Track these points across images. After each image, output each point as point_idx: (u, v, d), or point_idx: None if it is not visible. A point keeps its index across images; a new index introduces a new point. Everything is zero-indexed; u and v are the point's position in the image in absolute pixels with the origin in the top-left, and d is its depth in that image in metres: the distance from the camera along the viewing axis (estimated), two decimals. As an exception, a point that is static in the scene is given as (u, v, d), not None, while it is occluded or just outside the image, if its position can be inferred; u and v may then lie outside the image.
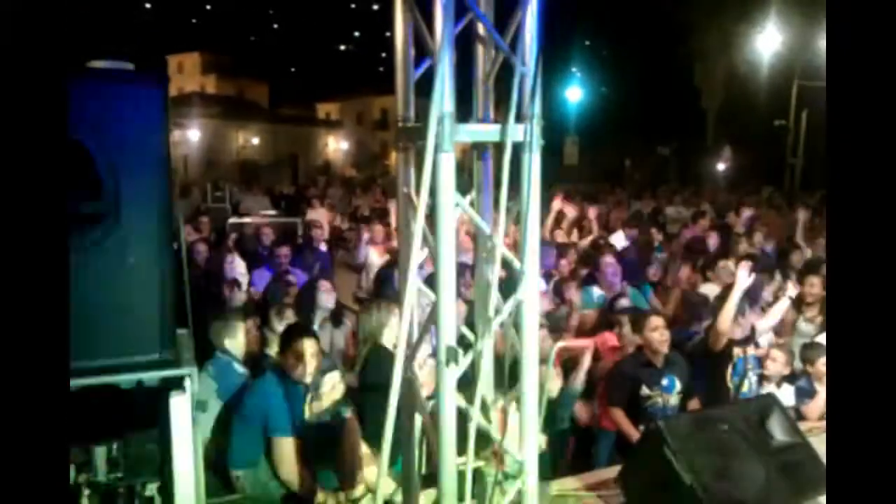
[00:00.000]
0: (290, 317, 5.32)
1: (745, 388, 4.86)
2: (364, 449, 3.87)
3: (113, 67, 2.08)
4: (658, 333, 4.57)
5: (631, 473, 2.96)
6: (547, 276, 6.92)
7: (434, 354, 2.48)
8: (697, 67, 32.19)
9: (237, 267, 7.56)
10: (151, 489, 2.11)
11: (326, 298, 5.59)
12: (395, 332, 4.25)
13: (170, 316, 2.08)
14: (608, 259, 6.40)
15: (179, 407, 2.00)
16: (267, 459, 3.76)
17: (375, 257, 8.01)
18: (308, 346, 3.93)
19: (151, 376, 2.00)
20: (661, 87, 32.73)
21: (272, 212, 12.86)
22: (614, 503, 3.12)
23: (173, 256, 2.15)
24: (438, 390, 2.31)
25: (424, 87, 2.27)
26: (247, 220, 10.49)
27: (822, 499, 2.75)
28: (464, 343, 2.53)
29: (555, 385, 4.61)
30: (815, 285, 6.02)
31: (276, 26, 62.15)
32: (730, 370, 4.87)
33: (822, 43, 22.93)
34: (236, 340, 4.38)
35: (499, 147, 2.44)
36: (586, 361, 4.92)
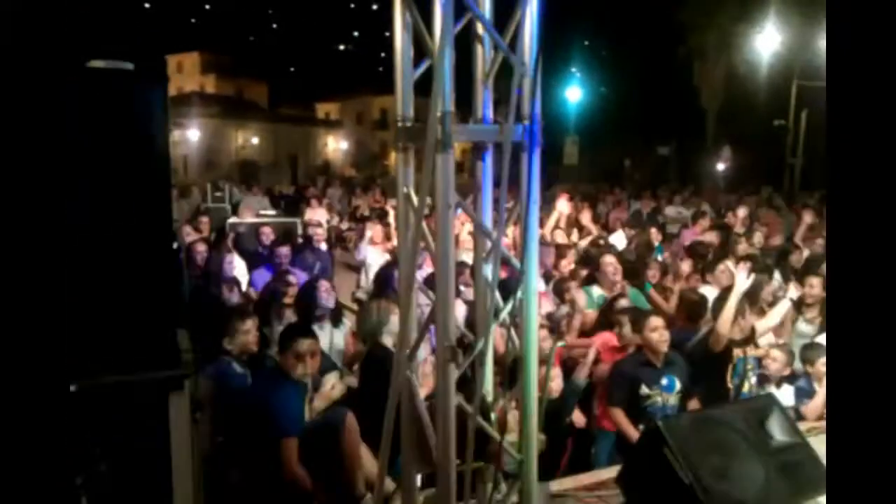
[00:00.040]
0: (289, 317, 5.33)
1: (745, 389, 4.86)
2: (364, 449, 3.87)
3: (112, 67, 2.08)
4: (658, 334, 4.57)
5: (630, 473, 2.96)
6: (546, 276, 6.92)
7: (434, 354, 2.48)
8: (697, 67, 32.19)
9: (236, 267, 7.55)
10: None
11: (326, 298, 5.59)
12: (394, 331, 4.26)
13: (169, 316, 2.08)
14: (608, 259, 6.39)
15: (178, 407, 2.00)
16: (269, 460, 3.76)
17: (375, 257, 8.02)
18: (308, 346, 3.93)
19: (151, 376, 2.00)
20: (660, 87, 32.73)
21: (272, 211, 12.86)
22: (614, 503, 3.12)
23: (172, 256, 2.15)
24: (438, 390, 2.31)
25: (424, 87, 2.27)
26: (247, 220, 10.48)
27: (822, 499, 2.75)
28: (464, 343, 2.53)
29: (555, 385, 4.61)
30: (815, 286, 6.02)
31: (275, 26, 62.11)
32: (730, 371, 4.87)
33: (821, 43, 22.94)
34: (236, 340, 4.37)
35: (498, 147, 2.44)
36: (591, 356, 4.92)
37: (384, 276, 6.36)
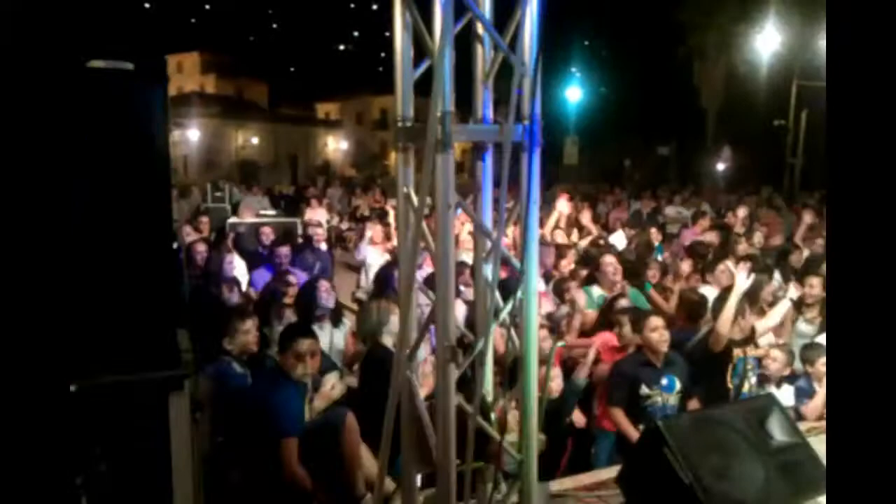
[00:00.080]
0: (289, 317, 5.33)
1: (745, 389, 4.86)
2: (364, 449, 3.87)
3: (112, 67, 2.08)
4: (657, 334, 4.57)
5: (630, 473, 2.96)
6: (546, 276, 6.92)
7: (434, 354, 2.48)
8: (697, 67, 32.17)
9: (236, 267, 7.55)
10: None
11: (326, 298, 5.59)
12: (394, 331, 4.26)
13: (169, 316, 2.08)
14: (608, 259, 6.39)
15: (178, 407, 2.00)
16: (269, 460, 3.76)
17: (374, 257, 8.01)
18: (308, 346, 3.93)
19: (151, 376, 1.99)
20: (660, 87, 32.72)
21: (272, 212, 12.85)
22: (614, 503, 3.12)
23: (172, 257, 2.15)
24: (438, 390, 2.31)
25: (424, 87, 2.27)
26: (247, 220, 10.48)
27: (822, 499, 2.75)
28: (464, 343, 2.53)
29: (555, 385, 4.61)
30: (815, 286, 6.02)
31: (275, 26, 62.09)
32: (730, 371, 4.87)
33: (821, 43, 22.94)
34: (236, 340, 4.37)
35: (498, 147, 2.44)
36: (591, 356, 4.92)
37: (384, 276, 6.37)
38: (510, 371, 2.59)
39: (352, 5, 55.09)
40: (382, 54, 42.93)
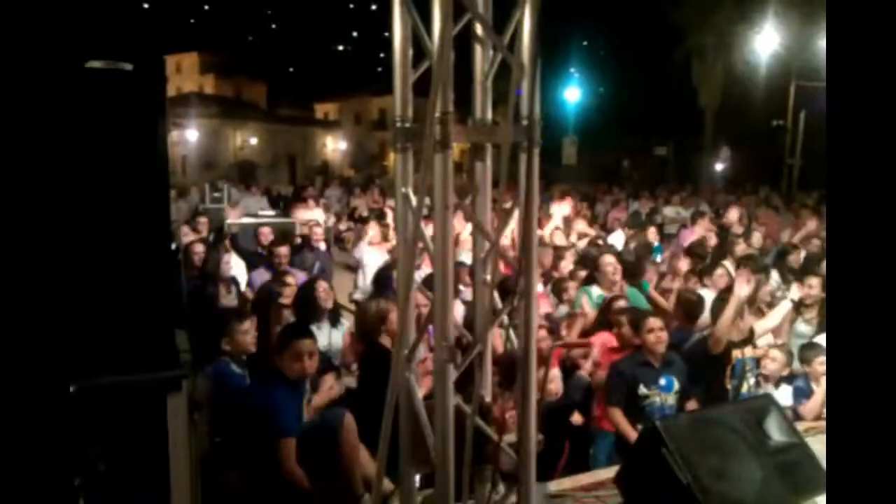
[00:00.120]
0: (287, 317, 5.32)
1: (743, 390, 4.87)
2: (362, 449, 3.87)
3: (111, 67, 2.08)
4: (654, 335, 4.58)
5: (629, 474, 2.96)
6: (545, 276, 6.92)
7: (432, 354, 2.48)
8: (695, 67, 32.20)
9: (234, 267, 7.55)
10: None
11: (324, 299, 5.59)
12: (393, 331, 4.26)
13: (167, 317, 2.07)
14: (608, 259, 6.39)
15: (176, 407, 2.00)
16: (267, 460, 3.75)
17: (371, 257, 8.00)
18: (306, 347, 3.93)
19: (149, 377, 1.99)
20: (659, 87, 32.75)
21: (270, 212, 12.86)
22: None
23: (170, 257, 2.15)
24: (437, 390, 2.31)
25: (423, 88, 2.27)
26: (246, 220, 10.49)
27: (820, 499, 2.75)
28: (462, 343, 2.53)
29: (554, 386, 4.61)
30: (814, 286, 6.02)
31: (274, 26, 62.09)
32: (728, 372, 4.88)
33: (819, 43, 22.98)
34: (234, 341, 4.37)
35: (497, 147, 2.44)
36: (594, 354, 4.92)
37: (383, 276, 6.37)
38: (509, 371, 2.59)
39: (350, 6, 55.16)
40: (381, 55, 42.96)
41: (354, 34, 60.60)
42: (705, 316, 5.50)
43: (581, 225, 9.53)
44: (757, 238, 9.22)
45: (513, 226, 2.67)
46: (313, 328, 4.63)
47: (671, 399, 4.57)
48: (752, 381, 4.93)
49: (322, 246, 8.78)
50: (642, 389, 4.54)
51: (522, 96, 2.38)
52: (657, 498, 2.73)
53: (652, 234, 9.99)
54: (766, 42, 26.04)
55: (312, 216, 10.79)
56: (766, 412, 2.97)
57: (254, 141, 49.55)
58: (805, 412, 4.73)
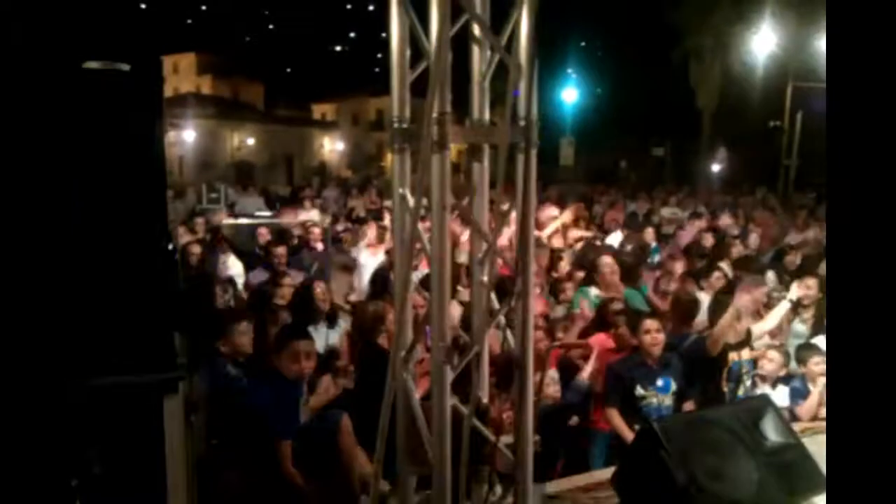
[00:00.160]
0: (284, 318, 5.31)
1: (740, 392, 4.87)
2: (359, 450, 3.87)
3: (108, 68, 2.07)
4: (650, 336, 4.58)
5: (625, 475, 2.96)
6: (543, 277, 6.92)
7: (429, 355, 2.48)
8: (692, 68, 32.25)
9: (231, 267, 7.54)
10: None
11: (322, 300, 5.58)
12: (390, 332, 4.26)
13: (164, 318, 2.07)
14: (606, 259, 6.39)
15: (173, 409, 2.00)
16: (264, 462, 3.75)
17: (367, 258, 7.99)
18: (303, 348, 3.92)
19: (145, 379, 1.99)
20: (656, 88, 32.80)
21: (267, 213, 12.83)
22: (609, 504, 3.12)
23: (167, 258, 2.14)
24: (434, 391, 2.31)
25: (420, 88, 2.27)
26: (243, 221, 10.48)
27: (816, 499, 2.75)
28: (459, 344, 2.53)
29: (552, 388, 4.62)
30: (812, 287, 6.03)
31: (271, 27, 62.05)
32: (725, 374, 4.88)
33: (816, 44, 23.02)
34: (230, 342, 4.36)
35: (494, 148, 2.44)
36: (593, 358, 4.92)
37: (380, 277, 6.36)
38: (506, 372, 2.59)
39: (348, 6, 55.11)
40: (379, 55, 42.93)
41: (352, 35, 60.60)
42: (703, 318, 5.51)
43: (577, 233, 9.53)
44: (754, 239, 9.23)
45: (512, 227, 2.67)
46: (310, 329, 4.63)
47: (668, 400, 4.58)
48: (748, 383, 4.93)
49: (320, 246, 8.77)
50: (639, 390, 4.54)
51: (520, 97, 2.38)
52: (654, 498, 2.73)
53: (649, 235, 10.00)
54: (763, 43, 26.07)
55: (307, 217, 10.77)
56: (763, 413, 2.97)
57: (251, 141, 49.48)
58: (801, 413, 4.74)
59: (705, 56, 31.51)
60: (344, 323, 5.70)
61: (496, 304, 2.53)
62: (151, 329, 2.02)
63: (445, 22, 2.17)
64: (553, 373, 4.89)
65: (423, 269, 5.02)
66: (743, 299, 4.88)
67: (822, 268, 6.38)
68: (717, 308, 4.99)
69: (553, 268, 7.38)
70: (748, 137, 31.04)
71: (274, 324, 5.03)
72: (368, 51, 49.82)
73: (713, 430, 2.81)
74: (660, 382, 4.57)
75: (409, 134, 2.39)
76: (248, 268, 7.64)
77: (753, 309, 5.24)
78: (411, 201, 2.35)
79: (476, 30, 2.44)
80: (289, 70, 63.82)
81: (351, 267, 7.24)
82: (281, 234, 8.77)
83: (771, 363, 5.08)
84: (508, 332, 2.55)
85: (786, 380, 5.18)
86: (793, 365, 5.34)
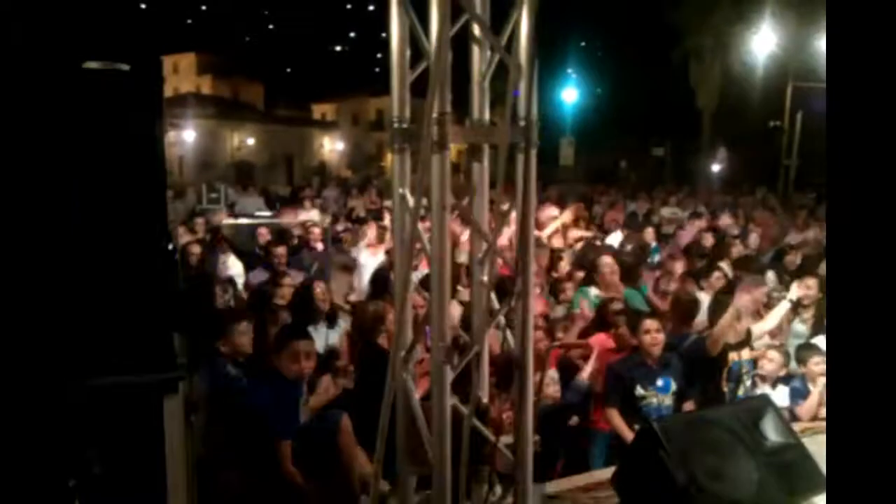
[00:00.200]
0: (284, 318, 5.31)
1: (740, 392, 4.87)
2: (358, 450, 3.87)
3: (108, 68, 2.07)
4: (650, 336, 4.58)
5: (625, 475, 2.96)
6: (543, 277, 6.92)
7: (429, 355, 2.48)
8: (692, 68, 32.25)
9: (231, 267, 7.54)
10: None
11: (322, 299, 5.58)
12: (390, 332, 4.25)
13: (164, 318, 2.07)
14: (606, 259, 6.39)
15: (173, 409, 2.00)
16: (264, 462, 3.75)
17: (367, 258, 7.99)
18: (303, 348, 3.92)
19: (145, 379, 1.99)
20: (656, 87, 32.80)
21: (267, 213, 12.83)
22: (609, 504, 3.12)
23: (167, 258, 2.14)
24: (434, 391, 2.31)
25: (420, 88, 2.27)
26: (243, 221, 10.48)
27: (816, 499, 2.75)
28: (459, 344, 2.53)
29: (552, 388, 4.61)
30: (812, 287, 6.02)
31: (271, 27, 62.03)
32: (725, 375, 4.88)
33: (816, 44, 23.02)
34: (230, 342, 4.36)
35: (494, 148, 2.44)
36: (593, 358, 4.92)
37: (380, 277, 6.36)
38: (505, 372, 2.59)
39: (348, 6, 55.09)
40: (379, 55, 42.93)
41: (352, 35, 60.58)
42: (703, 317, 5.51)
43: (577, 233, 9.53)
44: (754, 239, 9.23)
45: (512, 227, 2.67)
46: (310, 329, 4.63)
47: (668, 400, 4.58)
48: (748, 383, 4.93)
49: (320, 246, 8.77)
50: (639, 390, 4.54)
51: (520, 97, 2.38)
52: (654, 499, 2.73)
53: (649, 235, 10.00)
54: (762, 43, 26.07)
55: (307, 217, 10.77)
56: (763, 413, 2.97)
57: (251, 141, 49.47)
58: (801, 413, 4.74)
59: (705, 56, 31.51)
60: (344, 323, 5.70)
61: (496, 304, 2.53)
62: (151, 329, 2.02)
63: (445, 22, 2.17)
64: (553, 373, 4.89)
65: (424, 269, 5.03)
66: (743, 299, 4.88)
67: (822, 268, 6.37)
68: (717, 308, 4.98)
69: (553, 268, 7.38)
70: (748, 137, 31.04)
71: (274, 324, 5.03)
72: (368, 51, 49.84)
73: (713, 430, 2.81)
74: (660, 382, 4.57)
75: (409, 134, 2.39)
76: (248, 268, 7.64)
77: (753, 309, 5.24)
78: (411, 201, 2.35)
79: (476, 30, 2.44)
80: (289, 70, 63.82)
81: (351, 267, 7.24)
82: (281, 234, 8.76)
83: (771, 363, 5.07)
84: (508, 332, 2.55)
85: (786, 380, 5.18)
86: (793, 365, 5.34)
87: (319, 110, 58.70)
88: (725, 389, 4.87)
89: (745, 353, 4.98)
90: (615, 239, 9.56)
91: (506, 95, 2.30)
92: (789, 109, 25.61)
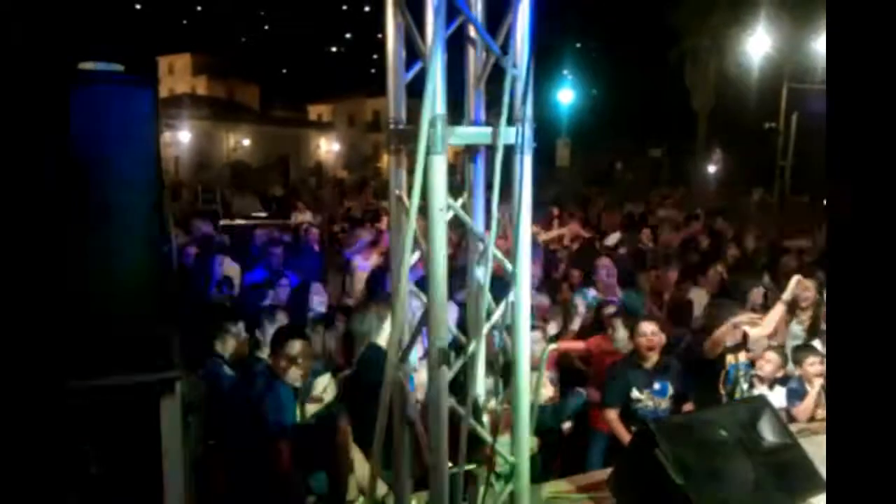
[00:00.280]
0: (281, 319, 5.31)
1: (737, 395, 4.86)
2: (356, 451, 3.86)
3: (103, 69, 2.07)
4: (646, 339, 4.58)
5: (622, 475, 2.96)
6: (539, 278, 6.92)
7: (426, 356, 2.48)
8: (688, 70, 32.30)
9: (228, 268, 7.52)
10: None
11: (318, 300, 5.58)
12: (387, 334, 4.25)
13: (160, 319, 2.07)
14: (604, 261, 6.41)
15: (170, 409, 1.99)
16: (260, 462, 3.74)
17: (363, 260, 7.97)
18: (300, 348, 3.92)
19: (142, 379, 1.99)
20: (652, 89, 32.85)
21: (263, 214, 12.84)
22: (606, 505, 3.12)
23: (164, 258, 2.14)
24: (430, 393, 2.31)
25: (416, 89, 2.27)
26: (238, 221, 10.48)
27: (813, 499, 2.76)
28: (456, 345, 2.53)
29: (548, 390, 4.61)
30: (809, 288, 6.03)
31: (267, 28, 62.01)
32: (722, 377, 4.88)
33: (811, 45, 23.08)
34: (226, 343, 4.36)
35: (490, 149, 2.44)
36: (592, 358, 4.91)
37: (376, 278, 6.36)
38: (502, 373, 2.59)
39: (344, 7, 55.10)
40: (374, 56, 42.90)
41: (348, 36, 60.59)
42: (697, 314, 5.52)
43: (575, 230, 9.55)
44: (750, 241, 9.25)
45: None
46: (307, 330, 4.62)
47: (665, 403, 4.56)
48: (745, 386, 4.93)
49: (316, 247, 8.77)
50: (635, 393, 4.54)
51: (516, 98, 2.38)
52: (651, 499, 2.73)
53: (645, 236, 10.01)
54: (758, 44, 26.14)
55: (303, 218, 10.77)
56: (760, 413, 2.98)
57: (246, 142, 49.43)
58: (798, 414, 4.74)
59: (701, 58, 31.56)
60: (341, 324, 5.69)
61: (493, 305, 2.53)
62: (148, 329, 2.02)
63: (441, 23, 2.17)
64: (550, 374, 4.88)
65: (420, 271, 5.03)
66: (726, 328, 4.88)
67: (819, 270, 6.39)
68: (713, 311, 4.98)
69: (550, 269, 7.39)
70: (744, 139, 31.09)
71: (271, 325, 5.02)
72: (364, 52, 49.82)
73: (710, 431, 2.81)
74: (657, 386, 4.56)
75: (405, 135, 2.39)
76: (245, 269, 7.62)
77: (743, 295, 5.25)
78: (407, 202, 2.35)
79: (472, 31, 2.44)
80: (284, 71, 63.79)
81: (345, 268, 7.23)
82: (277, 235, 8.76)
83: (769, 364, 5.07)
84: (505, 333, 2.55)
85: (783, 381, 5.18)
86: (790, 366, 5.34)
87: (315, 111, 58.67)
88: (722, 392, 4.87)
89: (742, 356, 4.98)
90: (611, 241, 9.58)
91: (501, 96, 2.30)
92: (784, 111, 25.66)
